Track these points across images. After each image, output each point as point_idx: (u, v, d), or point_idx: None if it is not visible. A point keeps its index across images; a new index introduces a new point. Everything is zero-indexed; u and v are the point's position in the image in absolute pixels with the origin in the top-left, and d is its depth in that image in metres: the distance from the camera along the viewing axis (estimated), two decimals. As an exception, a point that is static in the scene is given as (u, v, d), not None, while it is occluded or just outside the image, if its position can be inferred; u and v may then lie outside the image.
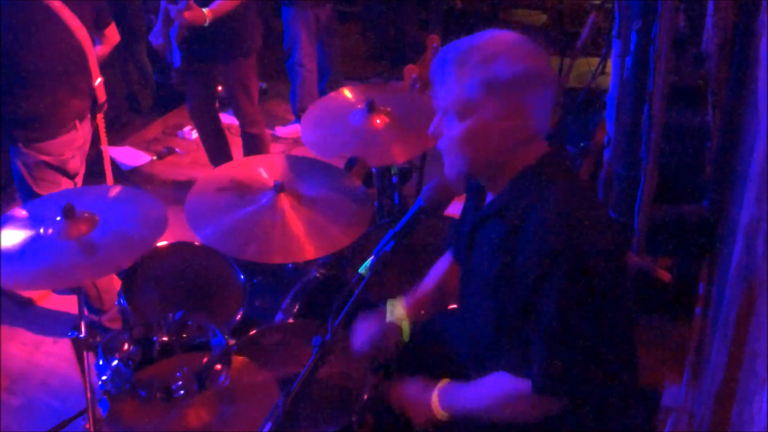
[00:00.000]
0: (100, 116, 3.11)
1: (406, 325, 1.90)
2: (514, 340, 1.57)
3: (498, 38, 1.52)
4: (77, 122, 2.94)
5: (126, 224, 2.16)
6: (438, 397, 1.71)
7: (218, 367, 1.75)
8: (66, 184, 2.99)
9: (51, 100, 2.83)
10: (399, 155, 2.65)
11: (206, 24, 3.53)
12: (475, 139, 1.53)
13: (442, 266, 2.02)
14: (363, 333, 1.92)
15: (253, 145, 4.14)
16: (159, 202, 2.27)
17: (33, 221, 2.12)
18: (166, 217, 2.18)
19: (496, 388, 1.62)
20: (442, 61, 1.53)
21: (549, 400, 1.53)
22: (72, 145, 2.95)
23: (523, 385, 1.55)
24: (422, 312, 1.95)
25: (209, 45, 3.70)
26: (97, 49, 3.05)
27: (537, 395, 1.52)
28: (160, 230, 2.12)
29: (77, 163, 3.02)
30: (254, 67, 3.97)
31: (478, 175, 1.64)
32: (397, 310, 1.93)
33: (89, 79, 2.96)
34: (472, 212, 1.74)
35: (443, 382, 1.74)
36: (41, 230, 2.07)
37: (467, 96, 1.50)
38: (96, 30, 3.02)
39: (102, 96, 3.05)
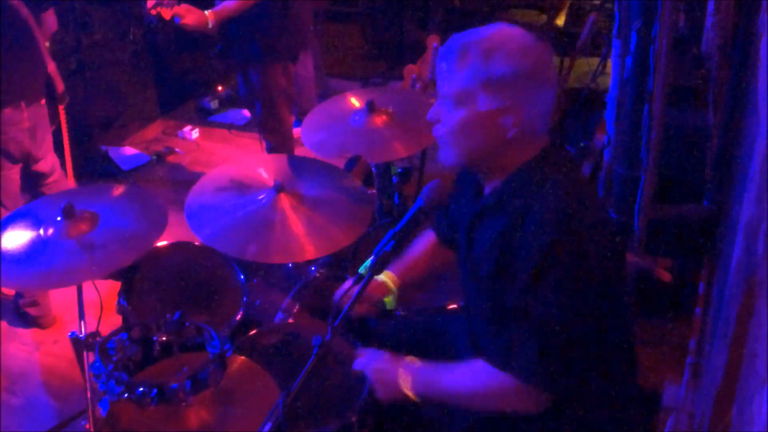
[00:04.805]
0: (61, 108, 3.05)
1: (393, 292, 1.95)
2: (504, 332, 1.57)
3: (502, 33, 1.52)
4: (23, 103, 2.88)
5: (126, 222, 2.15)
6: (407, 377, 1.68)
7: (213, 368, 1.75)
8: (9, 169, 2.94)
9: None
10: (400, 153, 2.65)
11: (209, 27, 3.20)
12: (467, 129, 1.54)
13: (423, 242, 2.03)
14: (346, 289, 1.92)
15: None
16: (158, 200, 2.26)
17: (34, 222, 2.11)
18: (167, 214, 2.17)
19: (477, 377, 1.60)
20: (449, 48, 1.54)
21: (535, 392, 1.53)
22: (16, 126, 2.88)
23: (503, 377, 1.54)
24: (409, 277, 1.99)
25: (239, 43, 3.40)
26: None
27: (524, 386, 1.52)
28: (160, 228, 2.11)
29: (22, 148, 2.95)
30: (285, 75, 3.52)
31: (473, 167, 1.65)
32: (385, 275, 1.96)
33: (38, 59, 2.88)
34: (468, 206, 1.73)
35: (409, 360, 1.72)
36: (41, 231, 2.06)
37: (462, 86, 1.51)
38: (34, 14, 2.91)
39: (60, 85, 3.00)
